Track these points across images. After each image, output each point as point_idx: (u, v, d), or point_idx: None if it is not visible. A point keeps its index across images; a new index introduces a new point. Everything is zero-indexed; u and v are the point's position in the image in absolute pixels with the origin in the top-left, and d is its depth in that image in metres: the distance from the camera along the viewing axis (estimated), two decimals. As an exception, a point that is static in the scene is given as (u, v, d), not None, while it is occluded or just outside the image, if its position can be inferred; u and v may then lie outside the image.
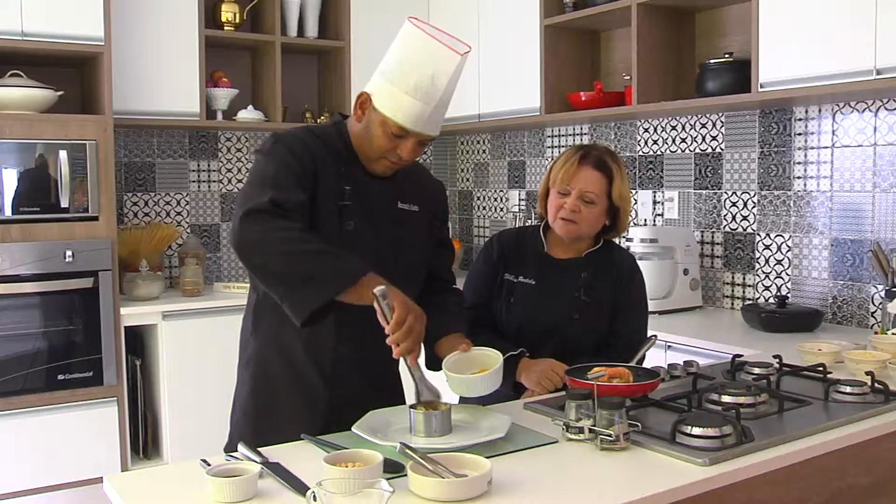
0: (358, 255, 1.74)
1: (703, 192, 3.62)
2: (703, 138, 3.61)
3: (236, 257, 2.00)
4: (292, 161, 1.78)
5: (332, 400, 1.88)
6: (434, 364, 1.91)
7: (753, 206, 3.42)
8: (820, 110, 3.17)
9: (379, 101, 1.78)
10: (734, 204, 3.50)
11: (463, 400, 2.20)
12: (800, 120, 3.24)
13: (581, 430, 1.60)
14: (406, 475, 1.37)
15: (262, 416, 1.92)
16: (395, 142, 1.79)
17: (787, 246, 3.31)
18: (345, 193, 1.84)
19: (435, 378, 1.74)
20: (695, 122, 3.64)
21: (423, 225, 1.98)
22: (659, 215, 3.83)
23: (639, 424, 1.61)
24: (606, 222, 2.23)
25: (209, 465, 1.45)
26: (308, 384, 1.89)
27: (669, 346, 2.94)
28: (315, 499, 1.22)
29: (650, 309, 2.38)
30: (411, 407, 1.67)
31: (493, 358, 1.80)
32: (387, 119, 1.77)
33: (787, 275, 3.32)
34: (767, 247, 3.39)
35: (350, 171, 1.86)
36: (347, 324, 1.83)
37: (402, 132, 1.77)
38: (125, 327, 3.69)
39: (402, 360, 1.71)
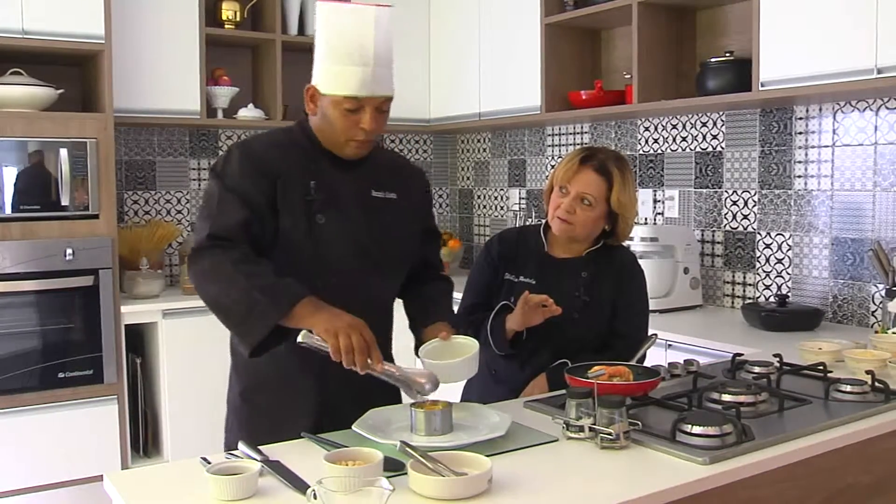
0: (327, 253, 1.80)
1: (704, 190, 3.62)
2: (704, 137, 3.61)
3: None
4: (238, 178, 1.79)
5: (322, 398, 1.87)
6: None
7: (754, 205, 3.42)
8: (821, 109, 3.17)
9: (323, 84, 1.80)
10: (735, 203, 3.50)
11: (464, 398, 2.21)
12: (800, 119, 3.24)
13: (581, 429, 1.60)
14: (406, 474, 1.37)
15: (254, 418, 1.91)
16: (353, 117, 1.80)
17: (788, 245, 3.31)
18: (311, 188, 1.84)
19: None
20: (695, 121, 3.64)
21: (402, 212, 1.97)
22: (659, 214, 3.83)
23: (639, 423, 1.61)
24: (606, 227, 2.23)
25: (209, 462, 1.45)
26: (296, 383, 1.88)
27: (670, 345, 2.94)
28: (315, 497, 1.22)
29: (650, 308, 2.37)
30: (412, 405, 1.66)
31: (469, 346, 1.79)
32: (335, 97, 1.78)
33: (788, 274, 3.32)
34: (768, 246, 3.38)
35: (316, 165, 1.86)
36: None
37: (354, 104, 1.78)
38: (125, 325, 3.69)
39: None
